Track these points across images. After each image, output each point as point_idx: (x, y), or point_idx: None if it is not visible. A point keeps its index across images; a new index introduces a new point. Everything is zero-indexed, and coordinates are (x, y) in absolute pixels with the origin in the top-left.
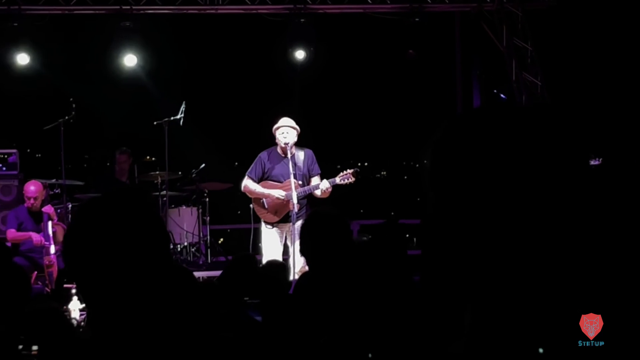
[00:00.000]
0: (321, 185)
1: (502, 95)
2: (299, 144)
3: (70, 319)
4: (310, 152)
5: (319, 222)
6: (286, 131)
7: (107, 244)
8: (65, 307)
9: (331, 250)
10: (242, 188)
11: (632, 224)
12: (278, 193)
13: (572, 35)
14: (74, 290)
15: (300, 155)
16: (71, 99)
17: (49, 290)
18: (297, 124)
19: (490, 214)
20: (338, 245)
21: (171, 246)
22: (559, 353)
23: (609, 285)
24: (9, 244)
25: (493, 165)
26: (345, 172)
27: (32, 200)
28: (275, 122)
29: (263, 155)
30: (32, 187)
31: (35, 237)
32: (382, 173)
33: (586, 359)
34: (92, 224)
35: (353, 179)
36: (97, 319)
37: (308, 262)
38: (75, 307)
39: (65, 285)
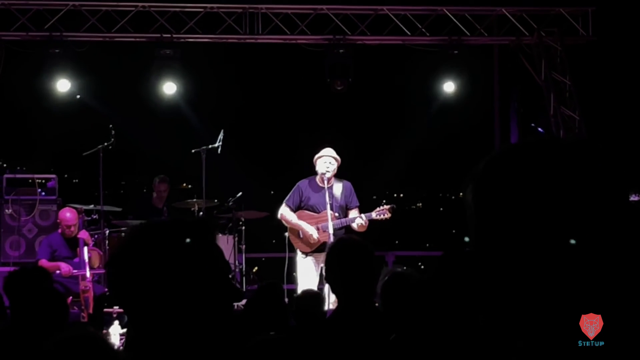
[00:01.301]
0: (357, 221)
1: (539, 129)
2: (337, 175)
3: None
4: (348, 184)
5: (343, 249)
6: (328, 161)
7: (162, 271)
8: (105, 331)
9: (357, 279)
10: (279, 215)
11: None
12: (312, 231)
13: (610, 70)
14: (114, 315)
15: (339, 186)
16: (111, 126)
17: (85, 316)
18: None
19: (534, 249)
20: (363, 273)
21: None
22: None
23: (609, 285)
24: None
25: (536, 201)
26: (381, 207)
27: (71, 228)
28: (318, 152)
29: (302, 184)
30: (68, 215)
31: (64, 267)
32: (418, 204)
33: (586, 359)
34: (153, 250)
35: (389, 215)
36: (140, 343)
37: (333, 291)
38: (115, 332)
39: (105, 310)
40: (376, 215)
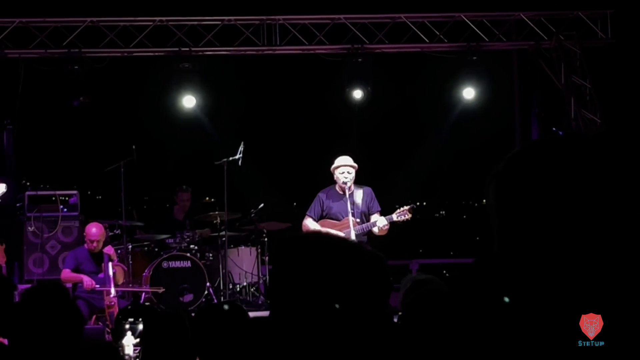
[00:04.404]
0: (378, 223)
1: (560, 133)
2: (356, 182)
3: (124, 354)
4: (369, 189)
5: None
6: (347, 170)
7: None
8: (118, 342)
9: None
10: (302, 227)
11: None
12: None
13: (630, 72)
14: (127, 326)
15: (359, 193)
16: (133, 147)
17: (109, 330)
18: (355, 162)
19: (561, 247)
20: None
21: (230, 286)
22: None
23: (609, 285)
24: (69, 286)
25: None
26: (401, 208)
27: (94, 244)
28: (333, 162)
29: (322, 194)
30: (94, 230)
31: (87, 281)
32: (441, 212)
33: (586, 359)
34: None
35: (410, 216)
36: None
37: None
38: (129, 342)
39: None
40: (397, 217)
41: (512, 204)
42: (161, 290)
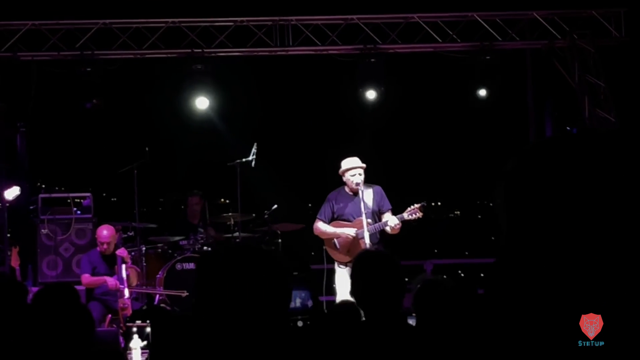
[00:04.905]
0: (390, 222)
1: (574, 132)
2: (369, 181)
3: (131, 357)
4: (379, 188)
5: (368, 262)
6: (358, 172)
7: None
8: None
9: (382, 292)
10: (314, 231)
11: None
12: (349, 231)
13: None
14: (134, 329)
15: (369, 192)
16: (146, 148)
17: (122, 332)
18: (367, 162)
19: (569, 245)
20: (388, 285)
21: None
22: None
23: (609, 285)
24: (82, 288)
25: (569, 194)
26: (412, 207)
27: (105, 246)
28: (341, 164)
29: (331, 196)
30: (105, 232)
31: (110, 281)
32: (456, 212)
33: (586, 359)
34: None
35: (421, 214)
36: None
37: (359, 304)
38: (136, 346)
39: (127, 324)
40: (408, 216)
41: (520, 203)
42: (185, 294)
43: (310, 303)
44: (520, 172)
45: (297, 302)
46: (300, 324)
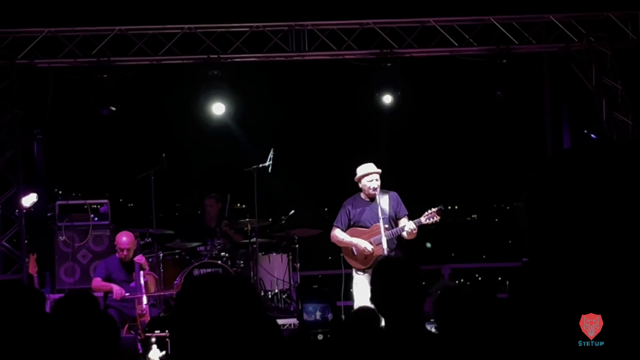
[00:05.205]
0: (406, 227)
1: (592, 136)
2: (386, 186)
3: None
4: (395, 194)
5: (388, 268)
6: (375, 178)
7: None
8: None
9: (402, 299)
10: (331, 239)
11: None
12: (365, 244)
13: None
14: (153, 339)
15: (385, 198)
16: (163, 155)
17: (140, 340)
18: (384, 167)
19: (591, 254)
20: (408, 292)
21: (262, 293)
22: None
23: (609, 285)
24: (100, 295)
25: (591, 205)
26: (429, 211)
27: (125, 252)
28: (356, 171)
29: (347, 203)
30: (124, 238)
31: (117, 290)
32: (473, 216)
33: (586, 359)
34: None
35: (438, 218)
36: None
37: (379, 311)
38: (155, 356)
39: (146, 334)
40: (425, 220)
41: (542, 213)
42: None
43: (330, 316)
44: (540, 183)
45: (317, 315)
46: (320, 337)
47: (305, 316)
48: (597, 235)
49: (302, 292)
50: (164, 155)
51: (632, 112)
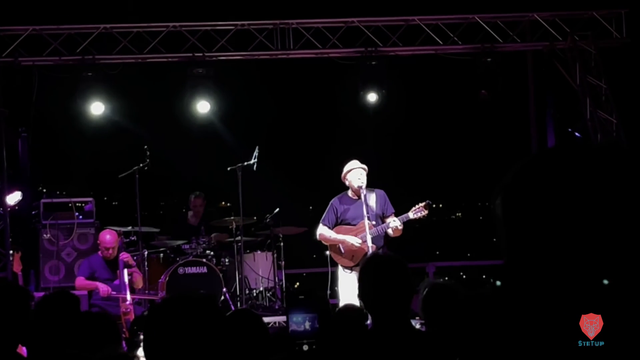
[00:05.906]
0: (391, 224)
1: (576, 134)
2: (372, 185)
3: None
4: (382, 192)
5: (376, 265)
6: (360, 173)
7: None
8: (133, 354)
9: (390, 297)
10: (318, 236)
11: None
12: (353, 240)
13: None
14: (142, 337)
15: (372, 196)
16: (145, 147)
17: (124, 338)
18: (369, 166)
19: (569, 258)
20: (397, 290)
21: (247, 291)
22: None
23: (609, 285)
24: (83, 294)
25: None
26: (417, 205)
27: (110, 251)
28: (343, 167)
29: (334, 201)
30: (108, 237)
31: (103, 288)
32: (457, 214)
33: (586, 359)
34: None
35: (426, 212)
36: None
37: (367, 309)
38: (142, 353)
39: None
40: (413, 215)
41: (519, 216)
42: None
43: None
44: (516, 186)
45: (306, 326)
46: (305, 347)
47: (293, 326)
48: (575, 237)
49: (289, 301)
50: (148, 153)
51: (616, 111)
